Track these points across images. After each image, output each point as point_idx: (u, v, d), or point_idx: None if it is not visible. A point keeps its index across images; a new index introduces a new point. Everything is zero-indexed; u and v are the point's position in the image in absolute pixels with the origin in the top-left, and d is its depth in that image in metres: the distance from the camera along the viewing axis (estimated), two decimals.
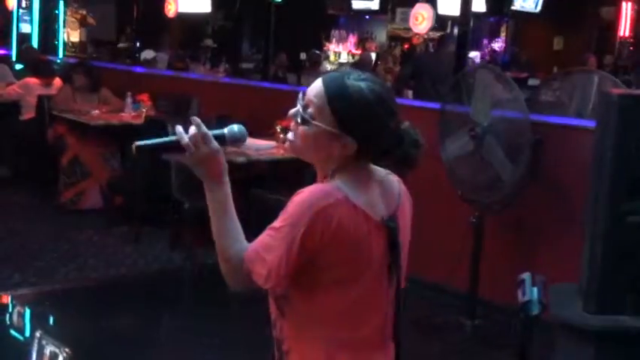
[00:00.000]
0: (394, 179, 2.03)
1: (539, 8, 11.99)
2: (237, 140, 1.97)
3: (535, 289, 1.99)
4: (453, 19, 11.82)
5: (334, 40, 13.73)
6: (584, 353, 4.28)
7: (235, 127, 1.95)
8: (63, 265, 5.92)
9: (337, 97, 1.87)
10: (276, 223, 1.87)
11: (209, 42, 13.70)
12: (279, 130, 6.15)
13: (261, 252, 1.86)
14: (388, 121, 1.91)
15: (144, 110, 7.40)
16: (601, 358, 4.22)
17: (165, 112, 7.37)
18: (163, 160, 6.24)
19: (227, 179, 1.94)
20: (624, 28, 14.47)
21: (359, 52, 13.10)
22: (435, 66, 8.26)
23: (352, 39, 13.80)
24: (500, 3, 11.43)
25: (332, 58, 13.35)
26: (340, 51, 13.52)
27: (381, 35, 14.35)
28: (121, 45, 13.32)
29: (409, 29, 11.83)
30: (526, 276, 2.03)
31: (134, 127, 7.13)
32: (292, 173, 5.83)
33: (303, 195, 1.87)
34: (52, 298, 5.55)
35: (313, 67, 9.88)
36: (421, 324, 5.15)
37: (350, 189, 1.89)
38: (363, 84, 1.89)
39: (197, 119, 1.91)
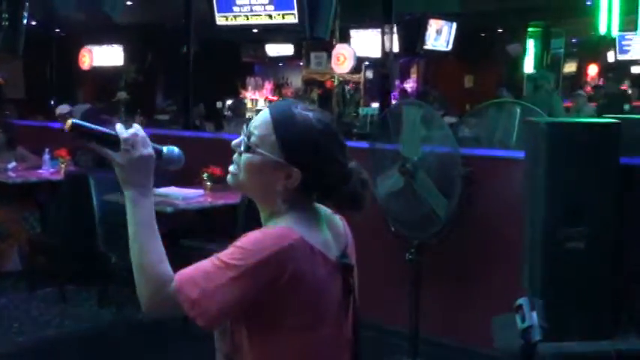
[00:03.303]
0: (338, 218, 1.97)
1: (450, 47, 12.23)
2: (172, 162, 1.86)
3: (534, 314, 1.94)
4: (368, 60, 12.04)
5: (250, 87, 13.77)
6: None
7: (175, 149, 1.86)
8: None
9: (283, 124, 1.81)
10: (224, 256, 1.72)
11: (123, 95, 13.56)
12: (205, 177, 6.05)
13: (198, 278, 1.70)
14: (336, 154, 1.84)
15: (63, 166, 7.20)
16: None
17: (86, 167, 7.18)
18: (86, 214, 6.11)
19: (152, 194, 1.80)
20: (530, 64, 14.92)
21: (275, 98, 13.16)
22: (556, 103, 8.35)
23: (268, 85, 13.87)
24: (412, 43, 11.61)
25: (249, 105, 13.38)
26: (257, 98, 13.56)
27: (297, 80, 14.47)
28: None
29: (324, 73, 11.95)
30: (523, 301, 1.97)
31: (53, 183, 6.93)
32: (223, 221, 5.75)
33: (258, 235, 1.76)
34: None
35: (237, 116, 9.84)
36: None
37: (304, 229, 1.79)
38: (310, 114, 1.83)
39: (138, 125, 1.81)
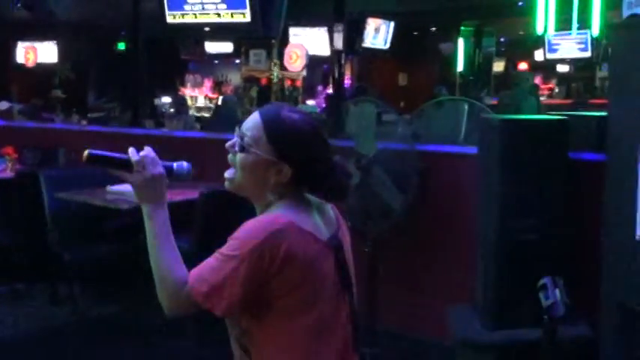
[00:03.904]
0: (328, 205, 2.14)
1: (388, 45, 12.43)
2: (182, 176, 2.05)
3: (557, 291, 2.08)
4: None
5: (189, 84, 13.75)
6: None
7: (184, 164, 2.05)
8: None
9: (273, 125, 1.99)
10: (224, 250, 1.91)
11: (57, 93, 13.42)
12: None
13: (205, 273, 1.90)
14: (321, 150, 2.03)
15: (9, 164, 7.13)
16: None
17: (32, 164, 7.14)
18: (37, 212, 6.07)
19: (166, 207, 1.99)
20: (461, 63, 15.25)
21: (215, 95, 13.16)
22: (526, 99, 8.46)
23: (208, 83, 13.86)
24: (351, 42, 11.75)
25: (189, 102, 13.36)
26: (196, 95, 13.54)
27: (236, 78, 14.50)
28: None
29: (263, 71, 12.04)
30: (547, 280, 2.11)
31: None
32: (179, 216, 5.79)
33: (250, 223, 1.94)
34: None
35: (180, 113, 9.82)
36: None
37: (292, 214, 1.97)
38: (296, 115, 2.02)
39: (149, 147, 1.99)
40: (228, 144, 2.03)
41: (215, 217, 5.24)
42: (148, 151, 1.97)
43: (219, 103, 10.57)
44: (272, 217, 1.94)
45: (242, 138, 1.99)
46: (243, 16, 6.56)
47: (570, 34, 10.09)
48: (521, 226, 4.39)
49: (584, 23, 10.07)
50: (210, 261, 1.91)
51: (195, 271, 1.92)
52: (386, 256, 5.23)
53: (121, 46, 15.94)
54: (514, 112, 6.48)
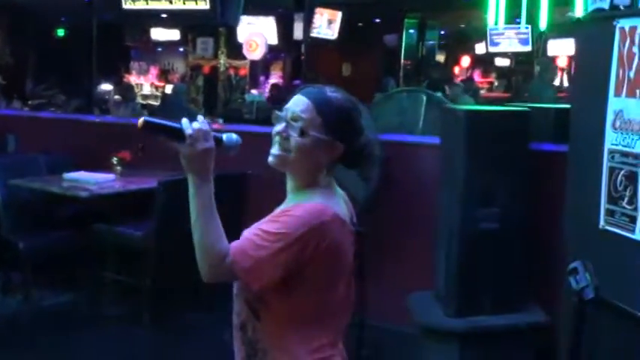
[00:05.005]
0: (342, 192, 2.21)
1: (336, 35, 12.45)
2: (231, 148, 2.05)
3: (588, 275, 2.12)
4: None
5: (134, 72, 13.56)
6: (450, 355, 4.51)
7: (234, 136, 2.05)
8: None
9: (325, 107, 2.07)
10: (269, 228, 1.97)
11: None
12: (115, 162, 6.01)
13: (249, 249, 1.95)
14: (361, 125, 2.15)
15: None
16: (466, 357, 4.48)
17: None
18: None
19: (212, 180, 2.01)
20: (404, 54, 15.37)
21: (162, 83, 13.02)
22: (544, 90, 8.46)
23: (154, 71, 13.69)
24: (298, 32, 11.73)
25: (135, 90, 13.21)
26: (142, 83, 13.37)
27: (181, 66, 14.34)
28: None
29: (210, 59, 11.97)
30: (578, 264, 2.15)
31: None
32: (134, 205, 5.74)
33: (302, 210, 2.01)
34: None
35: (126, 100, 9.70)
36: None
37: (334, 204, 2.06)
38: (339, 95, 2.12)
39: (202, 117, 2.00)
40: (278, 129, 2.05)
41: (173, 206, 5.20)
42: (201, 123, 1.98)
43: (169, 91, 10.48)
44: (320, 207, 2.01)
45: (295, 121, 2.04)
46: (196, 3, 6.51)
47: (519, 28, 10.27)
48: (483, 215, 4.48)
49: (529, 17, 10.27)
50: (254, 238, 1.97)
51: (237, 244, 1.97)
52: None
53: (61, 32, 15.65)
54: (537, 102, 6.53)
